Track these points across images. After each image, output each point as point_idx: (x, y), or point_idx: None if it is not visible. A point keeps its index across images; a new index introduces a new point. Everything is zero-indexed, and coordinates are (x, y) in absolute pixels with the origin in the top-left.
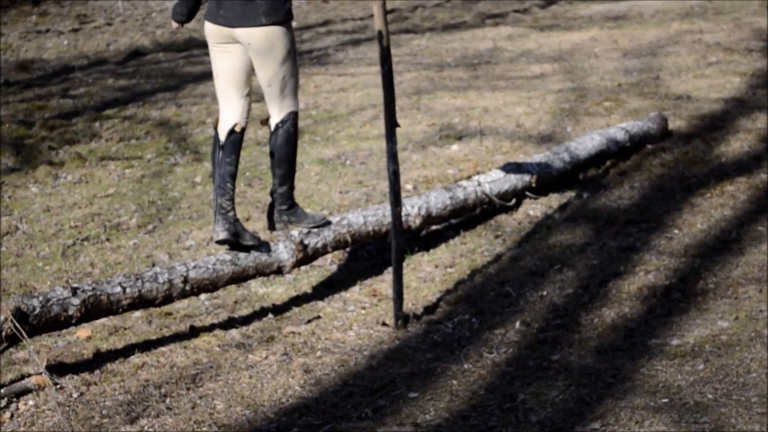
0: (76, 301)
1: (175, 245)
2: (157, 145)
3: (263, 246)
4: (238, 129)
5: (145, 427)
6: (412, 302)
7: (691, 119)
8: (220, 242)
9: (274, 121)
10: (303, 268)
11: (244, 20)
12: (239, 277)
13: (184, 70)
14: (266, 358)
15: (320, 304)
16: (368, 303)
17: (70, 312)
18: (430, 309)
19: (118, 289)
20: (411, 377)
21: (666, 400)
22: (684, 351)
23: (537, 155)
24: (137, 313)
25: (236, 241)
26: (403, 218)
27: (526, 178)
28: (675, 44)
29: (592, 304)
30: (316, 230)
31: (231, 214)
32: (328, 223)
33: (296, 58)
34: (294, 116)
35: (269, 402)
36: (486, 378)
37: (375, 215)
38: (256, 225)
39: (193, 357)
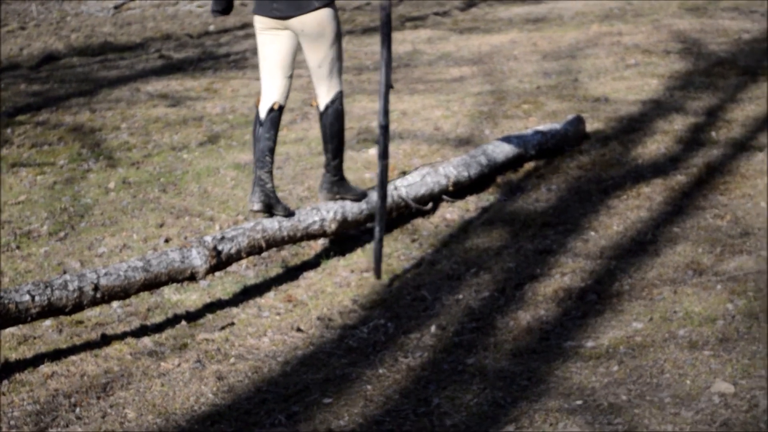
0: None
1: (87, 252)
2: (70, 151)
3: (292, 215)
4: (276, 107)
5: None
6: (327, 307)
7: (609, 121)
8: (255, 212)
9: (323, 102)
10: (217, 274)
11: (298, 9)
12: (152, 284)
13: (99, 74)
14: (179, 365)
15: (234, 310)
16: (283, 309)
17: None
18: (345, 314)
19: (27, 297)
20: (325, 383)
21: (580, 402)
22: (598, 353)
23: (454, 158)
24: (47, 322)
25: (270, 211)
26: (319, 223)
27: (443, 181)
28: (594, 46)
29: (508, 307)
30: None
31: (269, 186)
32: (365, 196)
33: (342, 40)
34: (341, 95)
35: (181, 410)
36: (401, 383)
37: (290, 220)
38: (170, 231)
39: (104, 365)
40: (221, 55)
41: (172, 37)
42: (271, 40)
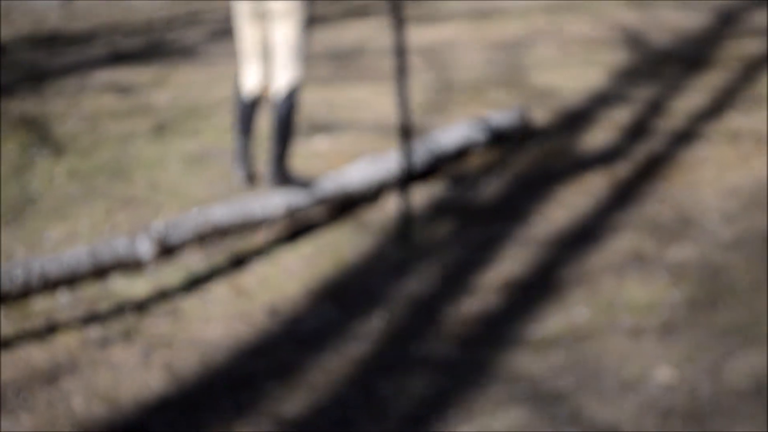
0: None
1: (33, 240)
2: (17, 140)
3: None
4: (266, 93)
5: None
6: (274, 296)
7: (554, 111)
8: (242, 178)
9: (280, 84)
10: (164, 262)
11: None
12: (98, 272)
13: (47, 63)
14: (125, 354)
15: (181, 298)
16: (230, 297)
17: None
18: (292, 303)
19: None
20: (272, 372)
21: (525, 390)
22: (543, 341)
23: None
24: None
25: (252, 182)
26: (266, 212)
27: (391, 170)
28: (539, 37)
29: (455, 296)
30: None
31: (249, 153)
32: (312, 184)
33: (309, 30)
34: (298, 85)
35: (128, 399)
36: (347, 371)
37: (237, 209)
38: (118, 219)
39: (51, 354)
40: (170, 45)
41: (120, 26)
42: (257, 29)
